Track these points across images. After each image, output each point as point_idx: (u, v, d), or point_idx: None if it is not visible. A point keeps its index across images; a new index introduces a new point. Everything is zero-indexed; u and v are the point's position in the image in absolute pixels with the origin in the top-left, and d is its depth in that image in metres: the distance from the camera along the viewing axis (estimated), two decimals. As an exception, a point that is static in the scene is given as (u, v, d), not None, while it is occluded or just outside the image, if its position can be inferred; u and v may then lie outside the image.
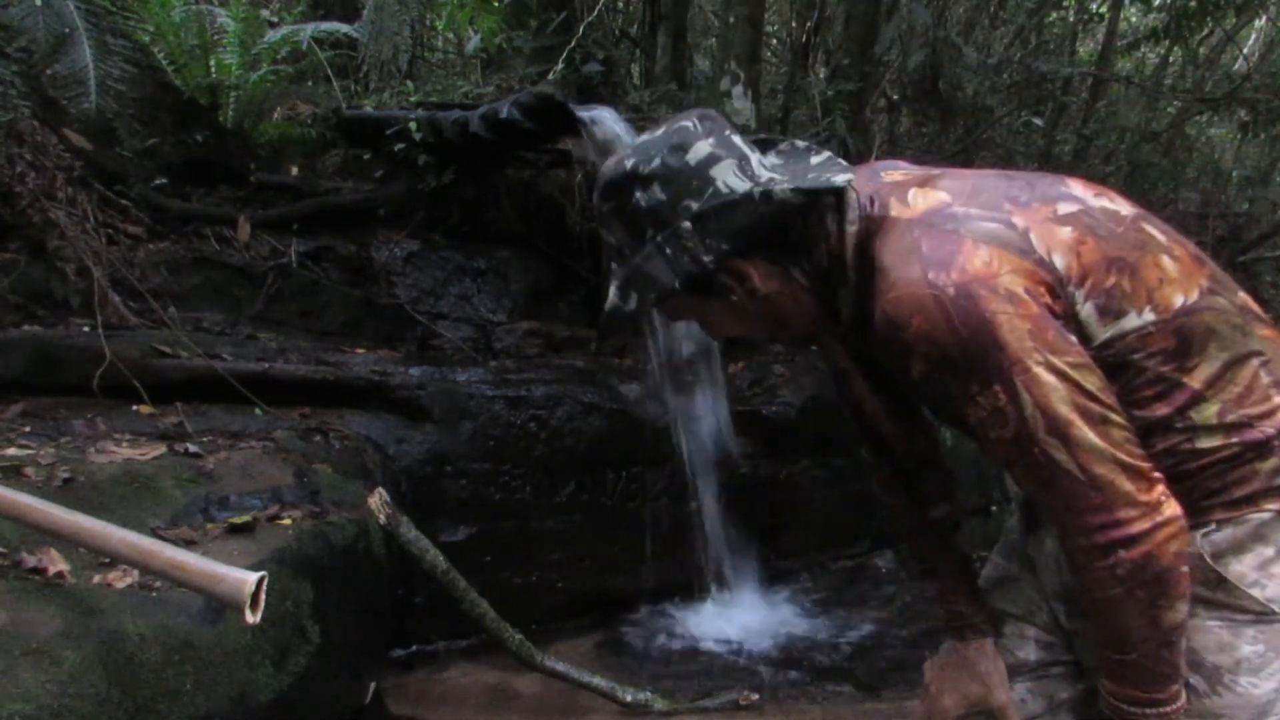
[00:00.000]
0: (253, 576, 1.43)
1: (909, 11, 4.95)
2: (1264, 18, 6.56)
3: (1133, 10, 6.62)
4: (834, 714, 2.80)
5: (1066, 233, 1.07)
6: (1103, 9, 6.38)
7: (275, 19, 5.08)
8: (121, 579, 1.79)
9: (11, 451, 2.31)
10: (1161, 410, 1.09)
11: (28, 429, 2.55)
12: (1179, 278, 1.10)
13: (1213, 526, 1.11)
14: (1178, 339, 1.09)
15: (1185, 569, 1.03)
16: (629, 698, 2.72)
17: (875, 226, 1.12)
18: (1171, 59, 6.53)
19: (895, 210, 1.12)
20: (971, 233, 1.05)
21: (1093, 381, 1.02)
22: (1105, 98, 6.39)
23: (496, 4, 5.44)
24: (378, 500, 2.59)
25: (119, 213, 3.49)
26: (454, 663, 3.05)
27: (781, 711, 2.79)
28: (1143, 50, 6.78)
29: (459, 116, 3.86)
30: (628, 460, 3.47)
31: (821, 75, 5.53)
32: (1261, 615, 1.10)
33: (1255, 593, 1.09)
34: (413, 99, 4.72)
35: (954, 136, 5.72)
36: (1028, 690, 1.35)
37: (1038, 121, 6.00)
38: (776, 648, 3.24)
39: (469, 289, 4.07)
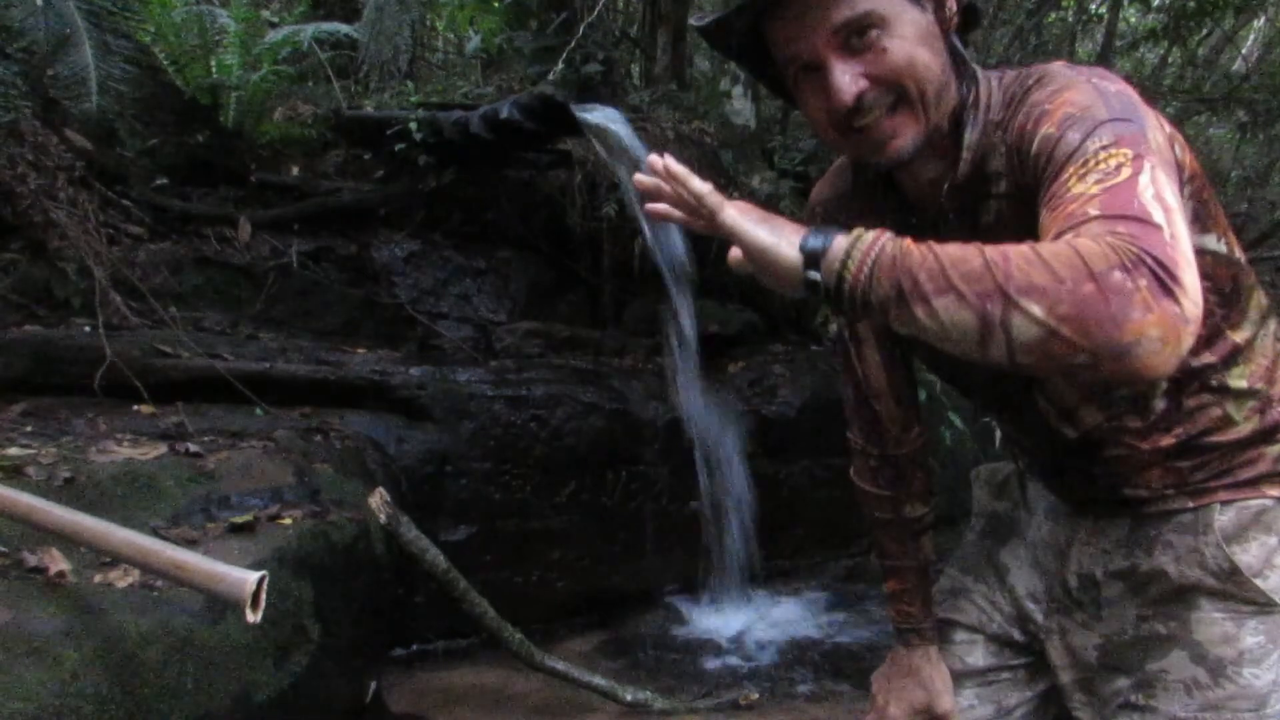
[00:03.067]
0: (253, 576, 1.43)
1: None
2: (1262, 18, 6.56)
3: (1131, 11, 6.62)
4: (834, 714, 2.80)
5: (1180, 136, 1.05)
6: (1101, 9, 6.38)
7: (276, 19, 5.08)
8: (123, 578, 1.79)
9: (13, 451, 2.31)
10: (1206, 358, 1.08)
11: (29, 428, 2.55)
12: (1235, 238, 1.11)
13: (1217, 508, 1.11)
14: (1231, 285, 1.09)
15: (1067, 362, 0.79)
16: (629, 697, 2.72)
17: (1005, 79, 1.07)
18: (1170, 59, 6.53)
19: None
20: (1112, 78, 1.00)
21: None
22: (1105, 98, 6.38)
23: (496, 4, 5.45)
24: (378, 500, 2.60)
25: (120, 213, 3.50)
26: (454, 662, 3.05)
27: (781, 711, 2.80)
28: (1141, 51, 6.78)
29: (459, 117, 3.87)
30: (628, 460, 3.47)
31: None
32: (1264, 606, 1.09)
33: (1260, 583, 1.09)
34: (413, 99, 4.72)
35: (954, 137, 5.70)
36: (975, 695, 1.33)
37: (1038, 121, 5.99)
38: (776, 647, 3.25)
39: (469, 289, 4.07)
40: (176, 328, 3.15)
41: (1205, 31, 6.02)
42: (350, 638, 2.27)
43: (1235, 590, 1.10)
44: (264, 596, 1.44)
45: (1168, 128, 1.00)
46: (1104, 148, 0.89)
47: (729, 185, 4.35)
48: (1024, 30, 6.00)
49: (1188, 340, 0.78)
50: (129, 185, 3.64)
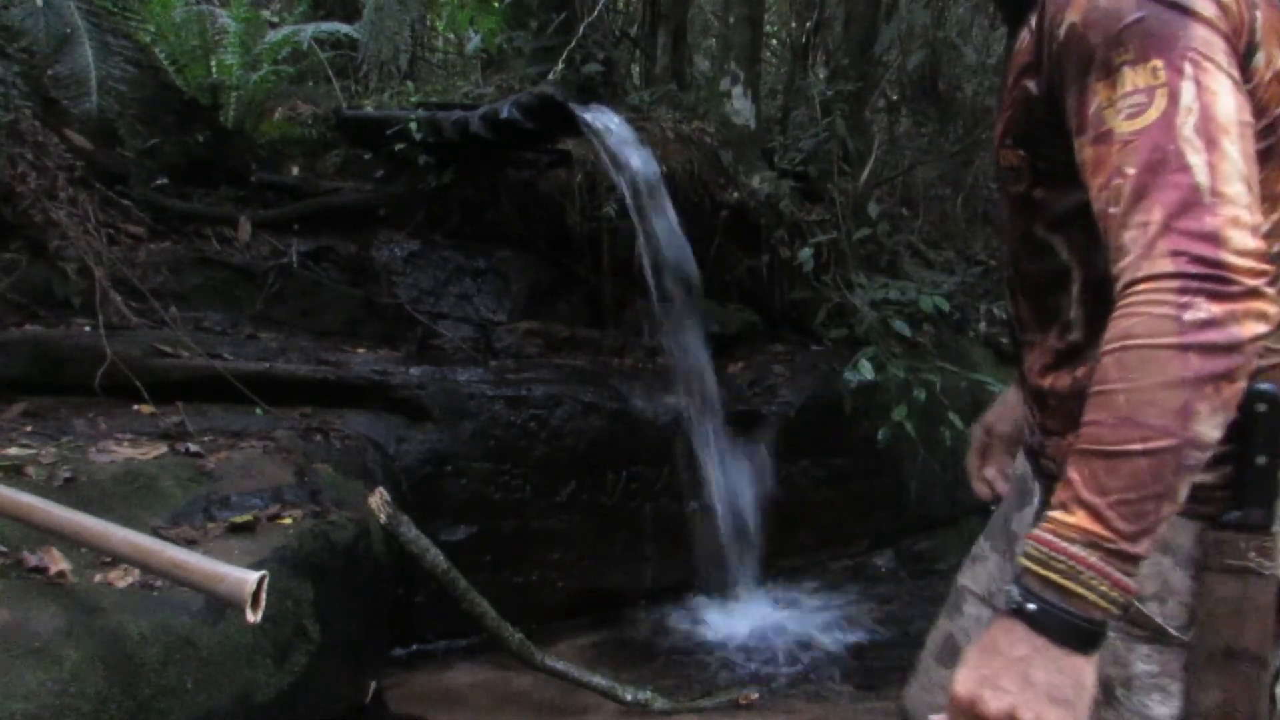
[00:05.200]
0: (253, 576, 1.43)
1: (908, 11, 4.95)
2: (1264, 18, 6.56)
3: (1132, 10, 6.62)
4: (834, 714, 2.80)
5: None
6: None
7: (276, 19, 5.09)
8: (123, 578, 1.80)
9: (13, 451, 2.31)
10: None
11: (29, 428, 2.55)
12: None
13: None
14: None
15: (1240, 390, 0.80)
16: (629, 697, 2.72)
17: None
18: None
19: None
20: None
21: (1252, 135, 0.84)
22: (1105, 98, 6.38)
23: (496, 4, 5.45)
24: (378, 499, 2.60)
25: (120, 213, 3.49)
26: (454, 662, 3.05)
27: (781, 711, 2.80)
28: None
29: (459, 117, 3.87)
30: (628, 460, 3.47)
31: (821, 75, 5.54)
32: (1156, 634, 0.97)
33: (1152, 609, 0.97)
34: (413, 99, 4.72)
35: (954, 136, 5.72)
36: None
37: (1037, 121, 5.98)
38: (776, 647, 3.25)
39: (469, 289, 4.07)
40: (176, 328, 3.14)
41: (1205, 31, 6.01)
42: (350, 638, 2.27)
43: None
44: (264, 596, 1.44)
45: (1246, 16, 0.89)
46: (1130, 63, 0.84)
47: (729, 185, 4.36)
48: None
49: (1264, 280, 0.79)
50: (129, 185, 3.63)
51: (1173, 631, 0.97)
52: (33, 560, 1.77)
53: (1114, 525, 0.80)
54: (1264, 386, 0.94)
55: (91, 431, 2.59)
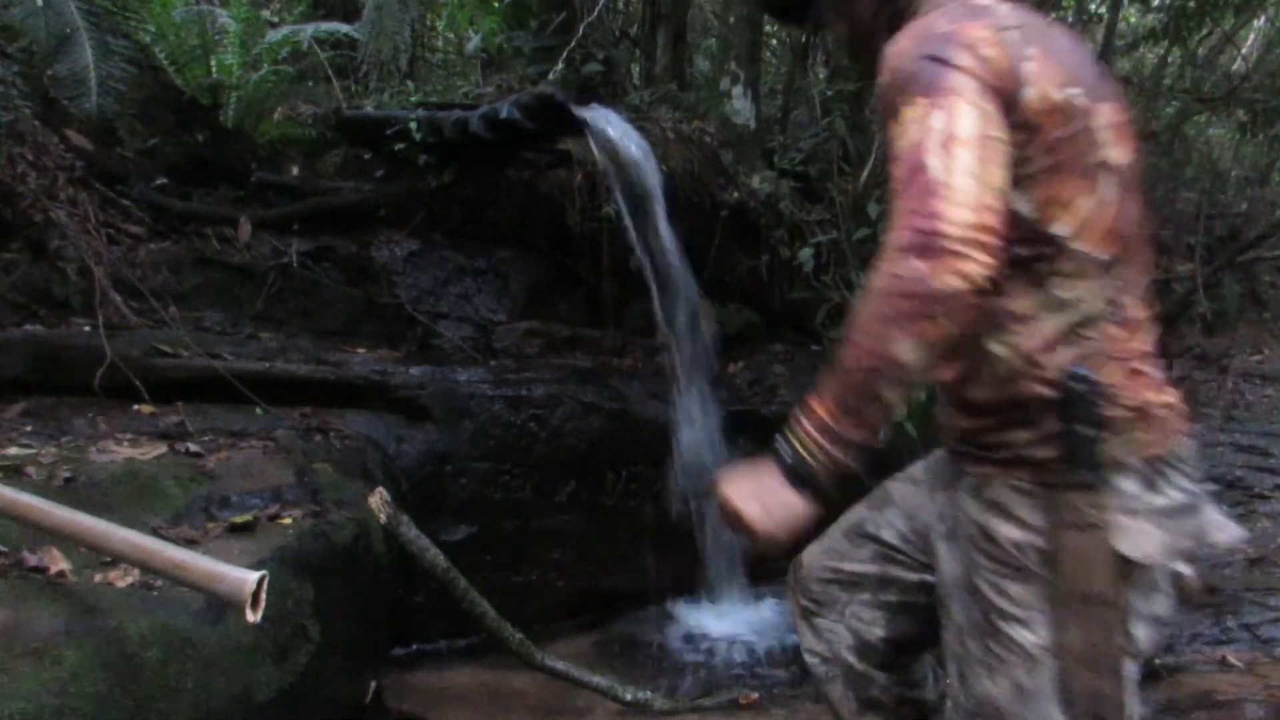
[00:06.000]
0: (253, 575, 1.43)
1: (909, 12, 4.94)
2: (1262, 18, 6.56)
3: (1131, 10, 6.61)
4: (833, 713, 2.80)
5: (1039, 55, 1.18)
6: (1101, 9, 6.37)
7: (276, 19, 5.09)
8: (122, 578, 1.80)
9: (13, 451, 2.31)
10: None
11: (29, 428, 2.55)
12: (1081, 218, 1.22)
13: (981, 479, 1.25)
14: (1027, 253, 1.20)
15: (946, 328, 1.05)
16: (629, 696, 2.72)
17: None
18: (1170, 59, 6.52)
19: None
20: (993, 16, 1.18)
21: (1000, 147, 1.10)
22: (1105, 98, 6.36)
23: (496, 4, 5.45)
24: (378, 499, 2.60)
25: (120, 213, 3.49)
26: (454, 661, 3.05)
27: (781, 711, 2.80)
28: (1141, 50, 6.77)
29: (459, 116, 3.87)
30: (628, 460, 3.47)
31: (821, 75, 5.53)
32: (1020, 571, 1.20)
33: (1012, 551, 1.21)
34: (413, 99, 4.72)
35: (954, 137, 5.70)
36: (872, 555, 1.56)
37: (1037, 121, 5.96)
38: (776, 647, 3.25)
39: (469, 289, 4.07)
40: (176, 327, 3.14)
41: (1205, 31, 6.00)
42: (350, 638, 2.27)
43: (996, 551, 1.22)
44: (264, 596, 1.44)
45: (1031, 85, 1.14)
46: (907, 103, 1.12)
47: (729, 185, 4.36)
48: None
49: (974, 248, 1.03)
50: (129, 185, 3.63)
51: (1033, 568, 1.20)
52: (33, 560, 1.77)
53: (831, 411, 1.13)
54: (1079, 369, 1.17)
55: (91, 431, 2.59)
